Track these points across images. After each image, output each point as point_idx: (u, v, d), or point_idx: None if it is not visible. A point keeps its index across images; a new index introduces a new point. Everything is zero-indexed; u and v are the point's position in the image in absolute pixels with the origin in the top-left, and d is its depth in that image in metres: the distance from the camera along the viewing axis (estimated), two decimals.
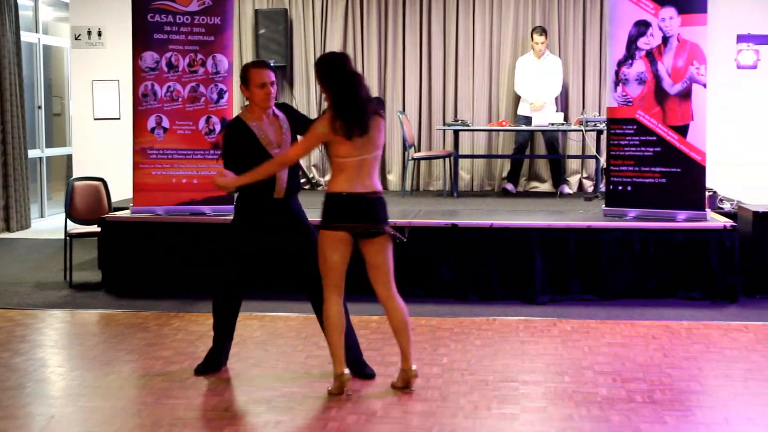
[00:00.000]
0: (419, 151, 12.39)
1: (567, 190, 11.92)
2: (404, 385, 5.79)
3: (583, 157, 12.08)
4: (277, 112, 6.11)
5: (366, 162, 5.60)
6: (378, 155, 5.69)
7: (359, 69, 12.39)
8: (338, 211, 5.62)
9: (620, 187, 8.76)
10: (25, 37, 13.37)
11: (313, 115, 11.13)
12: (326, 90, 5.62)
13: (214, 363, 6.22)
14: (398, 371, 5.85)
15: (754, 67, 9.86)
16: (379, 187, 5.72)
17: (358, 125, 5.52)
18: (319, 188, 12.61)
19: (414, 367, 5.79)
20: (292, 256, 6.15)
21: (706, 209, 8.62)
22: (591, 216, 9.07)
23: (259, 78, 5.97)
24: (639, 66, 8.62)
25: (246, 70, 6.06)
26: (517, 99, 12.22)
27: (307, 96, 12.78)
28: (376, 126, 5.62)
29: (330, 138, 5.54)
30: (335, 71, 5.60)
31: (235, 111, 8.78)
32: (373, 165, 5.66)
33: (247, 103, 6.21)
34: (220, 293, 6.24)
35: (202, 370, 6.17)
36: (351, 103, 5.53)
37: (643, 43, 8.59)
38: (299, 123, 6.16)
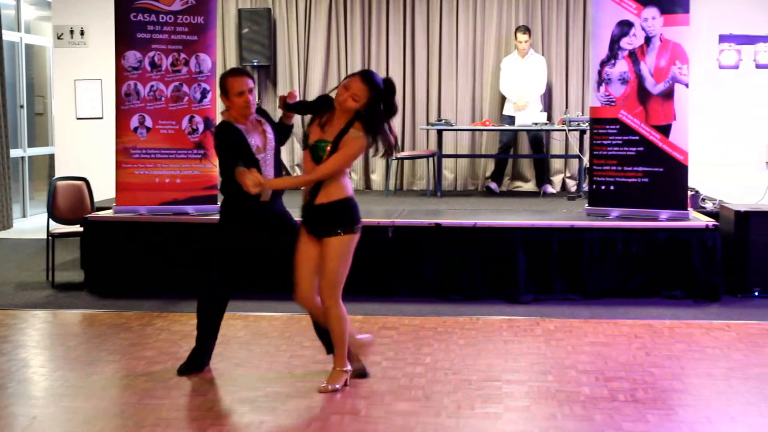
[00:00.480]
0: (403, 150, 12.39)
1: (550, 189, 11.94)
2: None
3: (567, 156, 12.10)
4: (259, 117, 6.12)
5: None
6: None
7: (342, 69, 12.45)
8: (358, 214, 5.77)
9: (603, 187, 8.78)
10: (7, 36, 13.31)
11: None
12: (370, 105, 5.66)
13: (197, 363, 6.21)
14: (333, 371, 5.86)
15: (736, 67, 9.89)
16: None
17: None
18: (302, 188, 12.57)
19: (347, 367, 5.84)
20: (280, 257, 6.12)
21: (689, 209, 8.66)
22: (574, 215, 9.09)
23: (237, 86, 5.95)
24: (622, 66, 8.65)
25: (223, 80, 6.03)
26: (502, 99, 12.23)
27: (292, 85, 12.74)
28: None
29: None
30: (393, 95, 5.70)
31: (218, 110, 8.74)
32: None
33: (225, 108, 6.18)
34: (207, 294, 6.22)
35: (185, 370, 6.15)
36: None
37: (626, 43, 8.62)
38: (279, 128, 6.19)
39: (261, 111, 6.22)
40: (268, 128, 6.10)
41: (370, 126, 5.60)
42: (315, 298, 5.80)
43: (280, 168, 6.16)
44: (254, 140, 6.00)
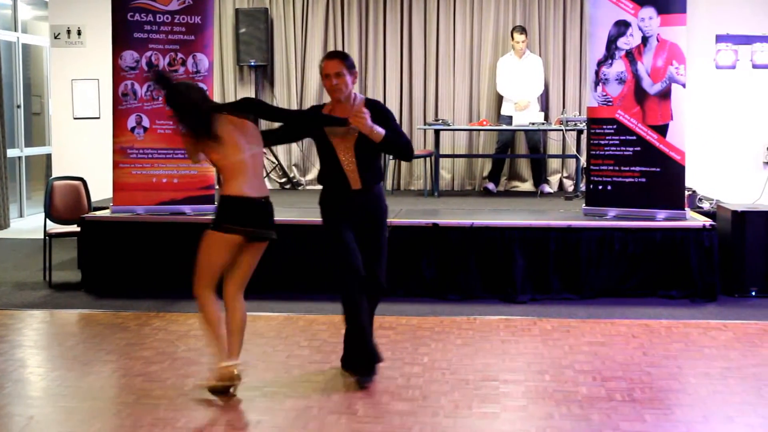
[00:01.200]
0: None
1: (547, 189, 11.94)
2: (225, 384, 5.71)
3: (564, 156, 12.11)
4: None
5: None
6: (255, 154, 5.76)
7: None
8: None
9: (600, 187, 8.79)
10: (4, 35, 13.30)
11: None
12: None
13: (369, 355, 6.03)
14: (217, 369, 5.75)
15: (733, 67, 9.92)
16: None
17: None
18: (299, 188, 12.60)
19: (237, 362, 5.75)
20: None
21: (686, 208, 8.66)
22: (571, 215, 9.09)
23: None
24: (619, 66, 8.65)
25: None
26: (499, 99, 12.24)
27: (288, 95, 12.76)
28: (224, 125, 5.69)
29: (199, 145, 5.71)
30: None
31: None
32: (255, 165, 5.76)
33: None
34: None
35: (364, 372, 5.98)
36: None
37: (623, 42, 8.62)
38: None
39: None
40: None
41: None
42: (227, 295, 5.82)
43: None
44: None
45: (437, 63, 12.65)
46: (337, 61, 5.86)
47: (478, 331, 7.30)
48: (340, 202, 5.94)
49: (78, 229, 8.87)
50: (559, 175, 12.45)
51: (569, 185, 12.25)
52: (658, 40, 8.47)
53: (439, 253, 8.48)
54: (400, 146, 5.91)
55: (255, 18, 12.53)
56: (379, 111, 5.87)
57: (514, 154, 12.34)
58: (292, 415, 5.40)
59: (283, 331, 7.21)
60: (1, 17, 12.83)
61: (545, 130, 11.70)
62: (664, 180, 8.49)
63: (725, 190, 10.94)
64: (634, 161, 8.58)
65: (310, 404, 5.55)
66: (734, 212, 8.63)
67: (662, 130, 8.48)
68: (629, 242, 8.41)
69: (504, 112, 12.05)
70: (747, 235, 8.54)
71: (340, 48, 12.63)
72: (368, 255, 5.92)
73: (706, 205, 9.46)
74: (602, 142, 8.75)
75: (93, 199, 9.58)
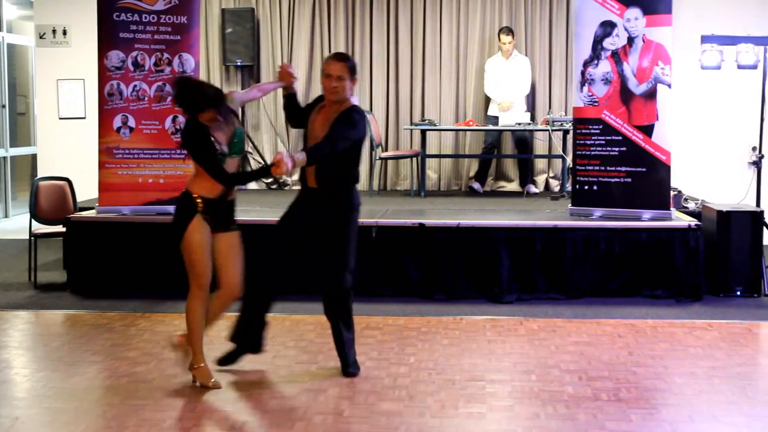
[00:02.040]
0: (386, 150, 12.39)
1: (534, 189, 11.96)
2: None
3: (550, 156, 12.12)
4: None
5: None
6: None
7: None
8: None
9: (586, 187, 8.81)
10: None
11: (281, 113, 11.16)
12: None
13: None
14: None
15: (718, 67, 9.91)
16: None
17: None
18: (286, 188, 12.58)
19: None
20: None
21: (671, 208, 8.69)
22: (557, 215, 9.10)
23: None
24: (605, 66, 8.67)
25: None
26: (486, 99, 12.24)
27: (274, 95, 12.70)
28: None
29: None
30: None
31: None
32: None
33: None
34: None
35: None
36: None
37: (609, 43, 8.65)
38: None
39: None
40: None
41: None
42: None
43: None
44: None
45: (424, 63, 12.64)
46: (342, 64, 5.91)
47: (465, 332, 7.31)
48: (298, 197, 6.12)
49: (63, 229, 8.85)
50: (545, 176, 12.47)
51: (555, 185, 12.26)
52: (643, 41, 8.49)
53: (425, 254, 8.49)
54: (322, 157, 5.84)
55: (241, 18, 12.51)
56: (341, 116, 5.91)
57: (500, 155, 12.35)
58: (278, 416, 5.40)
59: (269, 332, 7.19)
60: None
61: (531, 131, 11.71)
62: (650, 180, 8.51)
63: (711, 190, 10.97)
64: (620, 161, 8.61)
65: (297, 405, 5.55)
66: (719, 212, 8.66)
67: (648, 130, 8.50)
68: (615, 242, 8.43)
69: (491, 112, 12.05)
70: (732, 235, 8.58)
71: (326, 48, 12.63)
72: (323, 254, 6.02)
73: (691, 205, 9.49)
74: (588, 142, 8.77)
75: (78, 199, 9.56)
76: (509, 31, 11.90)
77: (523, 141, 11.96)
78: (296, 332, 7.24)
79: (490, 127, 11.71)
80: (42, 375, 6.23)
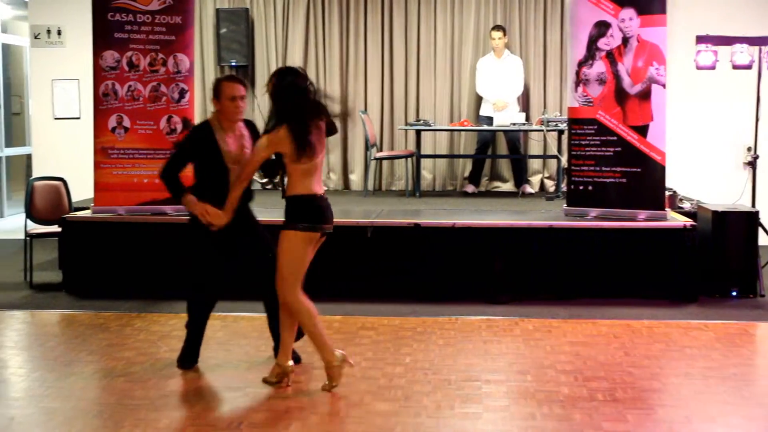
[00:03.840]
0: (381, 150, 12.38)
1: (529, 189, 11.96)
2: (278, 380, 5.89)
3: (545, 157, 12.12)
4: (242, 128, 6.17)
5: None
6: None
7: (321, 69, 12.43)
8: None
9: (581, 187, 8.81)
10: None
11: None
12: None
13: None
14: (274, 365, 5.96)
15: (713, 67, 9.91)
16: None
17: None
18: (279, 189, 12.55)
19: (290, 363, 5.90)
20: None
21: (666, 209, 8.69)
22: (552, 216, 9.11)
23: (230, 91, 6.09)
24: (599, 66, 8.68)
25: (218, 83, 6.18)
26: (479, 99, 12.24)
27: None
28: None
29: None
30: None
31: (197, 110, 8.75)
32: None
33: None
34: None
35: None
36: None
37: (604, 43, 8.65)
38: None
39: (248, 123, 6.27)
40: (248, 142, 6.13)
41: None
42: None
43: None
44: (231, 148, 6.05)
45: (418, 63, 12.64)
46: (241, 85, 6.18)
47: (460, 332, 7.31)
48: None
49: (59, 229, 8.84)
50: (540, 176, 12.47)
51: (550, 185, 12.27)
52: (638, 41, 8.50)
53: (420, 254, 8.49)
54: None
55: (235, 18, 12.50)
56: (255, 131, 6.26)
57: (494, 155, 12.35)
58: (274, 416, 5.40)
59: (265, 332, 7.15)
60: None
61: (526, 131, 11.72)
62: (645, 180, 8.52)
63: (706, 191, 10.98)
64: (615, 162, 8.61)
65: (293, 405, 5.56)
66: (715, 212, 8.67)
67: (643, 130, 8.51)
68: (610, 243, 8.44)
69: (483, 112, 12.05)
70: (727, 236, 8.59)
71: (320, 48, 12.63)
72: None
73: (686, 206, 9.49)
74: (583, 142, 8.77)
75: (74, 199, 9.55)
76: (500, 28, 11.91)
77: (513, 143, 11.95)
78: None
79: (485, 127, 11.71)
80: (38, 375, 6.22)
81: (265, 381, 5.91)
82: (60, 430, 5.20)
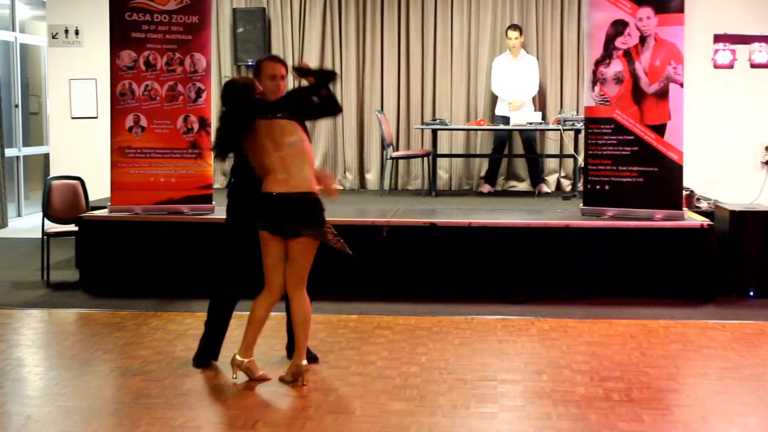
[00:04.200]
0: (398, 150, 12.38)
1: (545, 189, 11.95)
2: (293, 379, 5.91)
3: (561, 156, 12.10)
4: None
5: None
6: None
7: (337, 68, 12.44)
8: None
9: (598, 186, 8.79)
10: (2, 35, 13.30)
11: None
12: None
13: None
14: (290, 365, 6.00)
15: (731, 66, 9.91)
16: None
17: None
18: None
19: (305, 362, 5.91)
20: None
21: (684, 208, 8.66)
22: (569, 215, 9.08)
23: (270, 71, 6.15)
24: (616, 65, 8.66)
25: (259, 63, 6.27)
26: (495, 98, 12.23)
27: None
28: None
29: None
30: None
31: (213, 110, 8.75)
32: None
33: None
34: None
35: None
36: None
37: (621, 42, 8.63)
38: None
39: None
40: None
41: None
42: (287, 292, 6.03)
43: None
44: None
45: (435, 62, 12.64)
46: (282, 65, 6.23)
47: (476, 331, 7.30)
48: None
49: (76, 228, 8.87)
50: (556, 175, 12.45)
51: (567, 185, 12.24)
52: (655, 40, 8.47)
53: (436, 253, 8.48)
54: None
55: (252, 17, 12.53)
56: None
57: (510, 154, 12.33)
58: (289, 415, 5.41)
59: (280, 330, 7.18)
60: None
61: (543, 130, 11.71)
62: (662, 180, 8.49)
63: (723, 190, 10.93)
64: (632, 161, 8.58)
65: (308, 404, 5.56)
66: (732, 212, 8.64)
67: (660, 129, 8.48)
68: (627, 242, 8.41)
69: (498, 112, 12.04)
70: (745, 236, 8.56)
71: (337, 48, 12.65)
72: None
73: (704, 205, 9.46)
74: (600, 141, 8.75)
75: (91, 198, 9.59)
76: (516, 27, 11.91)
77: (529, 142, 11.94)
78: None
79: (502, 126, 11.70)
80: (54, 373, 6.24)
81: (281, 380, 5.93)
82: (77, 428, 5.21)
